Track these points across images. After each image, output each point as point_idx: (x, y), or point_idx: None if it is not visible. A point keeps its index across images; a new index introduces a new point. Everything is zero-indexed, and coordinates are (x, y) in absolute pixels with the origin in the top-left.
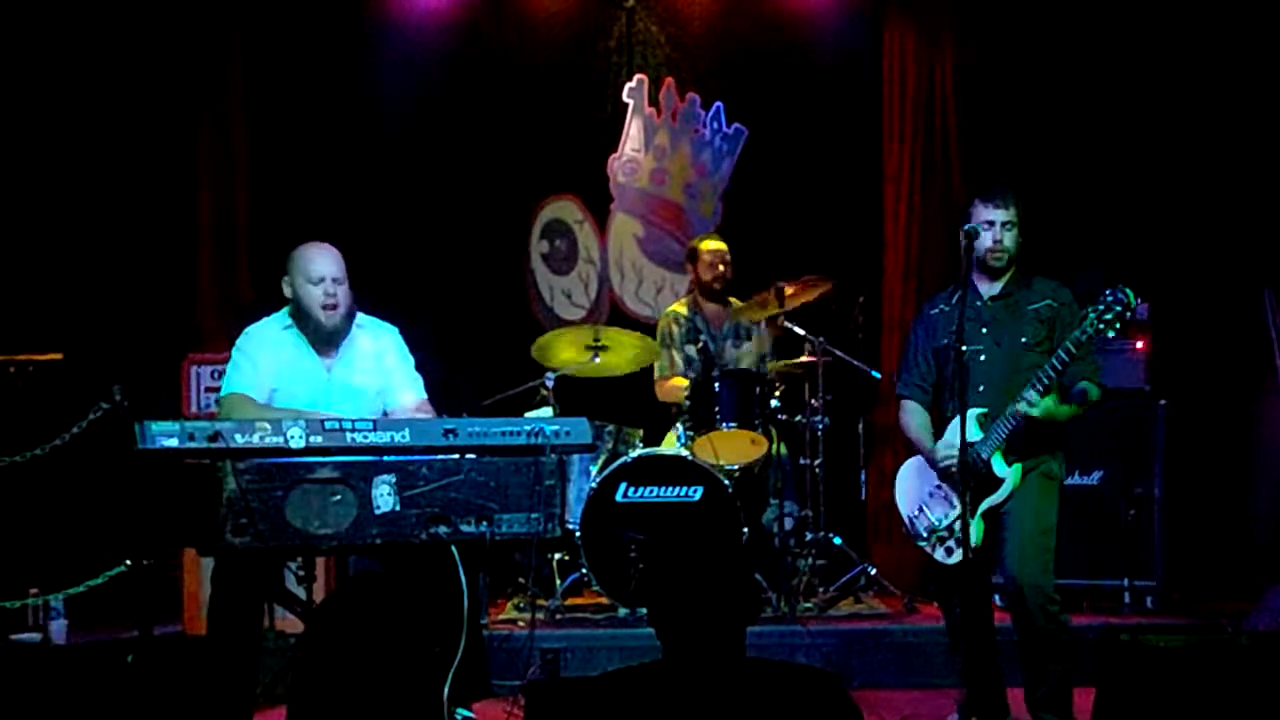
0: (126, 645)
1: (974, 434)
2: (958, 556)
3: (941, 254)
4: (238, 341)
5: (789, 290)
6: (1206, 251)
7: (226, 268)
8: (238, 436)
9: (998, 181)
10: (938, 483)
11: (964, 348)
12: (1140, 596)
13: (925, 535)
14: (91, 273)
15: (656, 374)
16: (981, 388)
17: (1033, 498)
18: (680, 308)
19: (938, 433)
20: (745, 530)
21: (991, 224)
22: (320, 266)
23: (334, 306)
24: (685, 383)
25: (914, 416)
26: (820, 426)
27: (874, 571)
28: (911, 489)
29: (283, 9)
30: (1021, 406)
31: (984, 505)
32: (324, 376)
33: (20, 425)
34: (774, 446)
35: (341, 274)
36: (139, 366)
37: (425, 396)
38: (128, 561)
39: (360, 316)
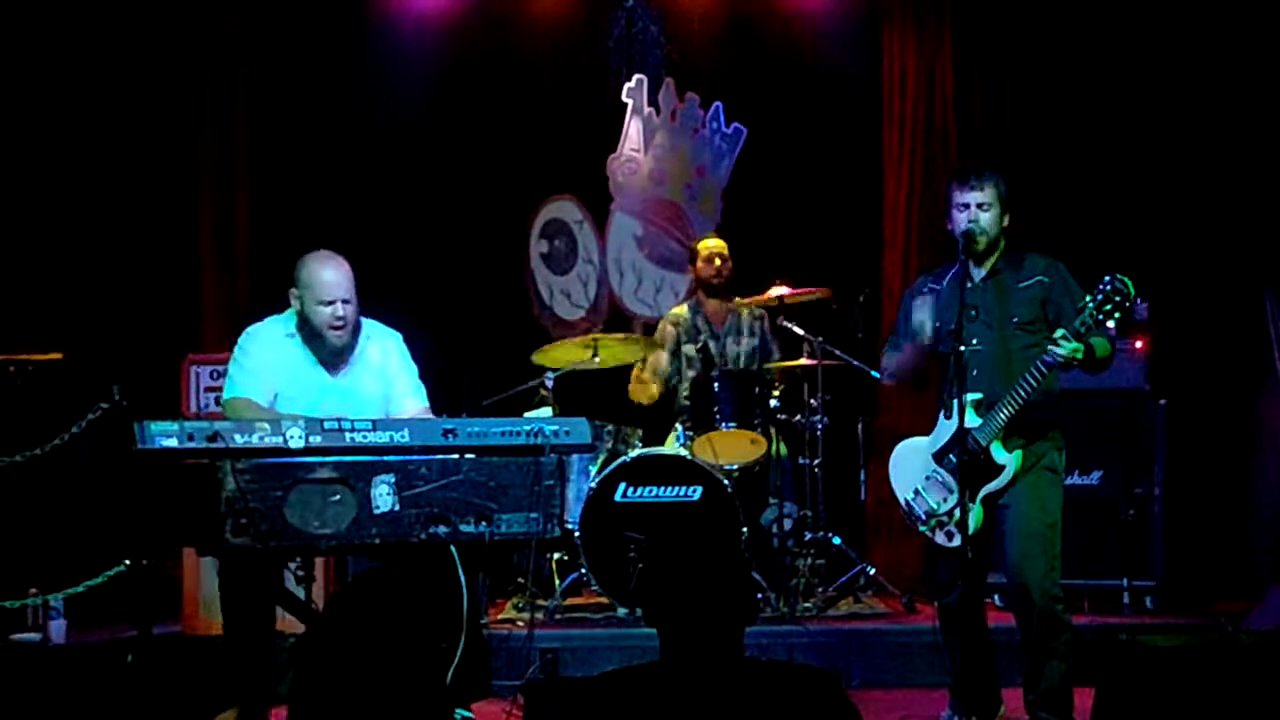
0: (126, 645)
1: (971, 420)
2: (958, 541)
3: (941, 254)
4: (239, 342)
5: (783, 292)
6: (1206, 251)
7: (227, 268)
8: (237, 436)
9: (972, 163)
10: (934, 467)
11: (962, 349)
12: (1140, 596)
13: (924, 519)
14: (91, 273)
15: (635, 367)
16: (975, 372)
17: (1037, 493)
18: (680, 310)
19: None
20: (745, 530)
21: (966, 206)
22: (331, 288)
23: (341, 327)
24: (653, 390)
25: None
26: (820, 426)
27: (873, 571)
28: (906, 473)
29: (284, 10)
30: (1067, 349)
31: (984, 491)
32: (329, 385)
33: (20, 425)
34: (773, 446)
35: (351, 293)
36: (139, 366)
37: (427, 404)
38: (127, 561)
39: (366, 324)
